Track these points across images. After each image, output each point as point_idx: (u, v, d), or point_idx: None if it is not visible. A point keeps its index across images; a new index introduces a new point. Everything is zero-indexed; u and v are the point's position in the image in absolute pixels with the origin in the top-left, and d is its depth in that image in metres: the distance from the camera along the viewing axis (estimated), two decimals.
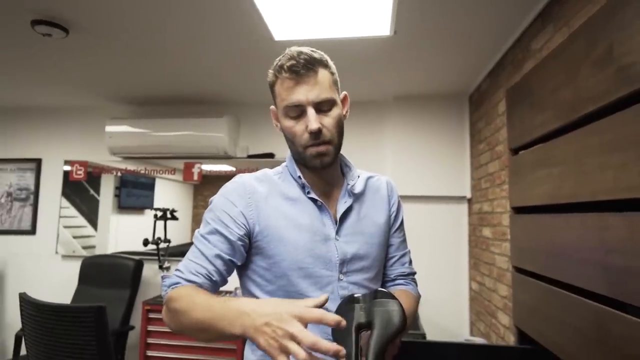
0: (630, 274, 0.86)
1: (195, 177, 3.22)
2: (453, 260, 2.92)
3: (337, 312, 0.78)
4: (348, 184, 0.94)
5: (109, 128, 3.10)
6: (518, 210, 1.64)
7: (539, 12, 1.65)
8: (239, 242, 0.84)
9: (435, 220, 2.95)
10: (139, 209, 3.44)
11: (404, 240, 1.04)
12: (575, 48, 1.11)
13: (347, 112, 0.94)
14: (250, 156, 3.15)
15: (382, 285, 1.01)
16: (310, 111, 0.83)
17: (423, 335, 2.15)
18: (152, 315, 2.58)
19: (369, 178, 1.01)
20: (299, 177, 0.91)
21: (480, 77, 2.54)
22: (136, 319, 2.77)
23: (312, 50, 0.87)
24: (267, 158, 3.12)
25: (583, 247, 1.06)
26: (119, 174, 3.35)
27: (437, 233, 2.93)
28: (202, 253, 0.82)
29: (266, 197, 0.89)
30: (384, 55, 2.26)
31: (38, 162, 3.43)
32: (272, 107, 0.92)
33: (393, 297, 0.75)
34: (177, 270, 0.81)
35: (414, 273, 1.05)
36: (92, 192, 3.37)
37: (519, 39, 1.88)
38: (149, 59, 2.34)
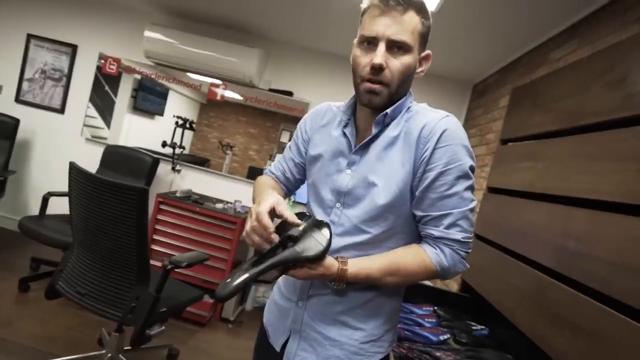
0: (579, 255, 0.98)
1: (218, 97, 3.17)
2: None
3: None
4: (385, 116, 0.80)
5: (148, 33, 2.95)
6: (492, 190, 1.74)
7: (568, 26, 1.63)
8: (304, 150, 0.97)
9: None
10: (151, 113, 3.38)
11: (446, 198, 0.75)
12: (593, 66, 1.12)
13: (422, 71, 0.82)
14: (271, 90, 3.10)
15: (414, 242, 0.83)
16: (381, 46, 0.74)
17: None
18: (162, 207, 2.67)
19: (411, 118, 0.80)
20: (350, 116, 0.88)
21: (490, 71, 2.52)
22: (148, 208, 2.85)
23: None
24: (286, 95, 3.08)
25: (546, 230, 1.16)
26: (139, 77, 3.23)
27: None
28: (283, 156, 1.02)
29: (325, 125, 0.93)
30: None
31: (74, 48, 3.27)
32: (355, 40, 0.81)
33: (329, 233, 0.74)
34: (269, 166, 1.06)
35: (449, 239, 0.76)
36: (107, 88, 3.27)
37: (540, 46, 1.87)
38: None
